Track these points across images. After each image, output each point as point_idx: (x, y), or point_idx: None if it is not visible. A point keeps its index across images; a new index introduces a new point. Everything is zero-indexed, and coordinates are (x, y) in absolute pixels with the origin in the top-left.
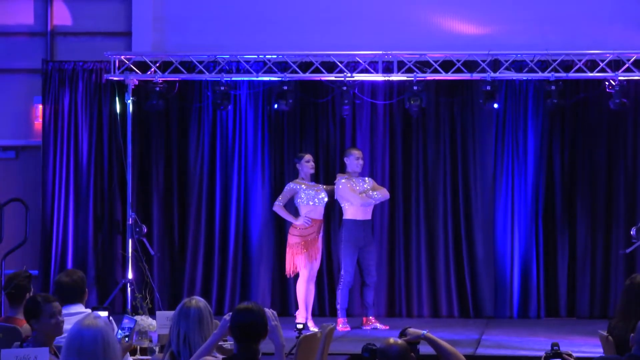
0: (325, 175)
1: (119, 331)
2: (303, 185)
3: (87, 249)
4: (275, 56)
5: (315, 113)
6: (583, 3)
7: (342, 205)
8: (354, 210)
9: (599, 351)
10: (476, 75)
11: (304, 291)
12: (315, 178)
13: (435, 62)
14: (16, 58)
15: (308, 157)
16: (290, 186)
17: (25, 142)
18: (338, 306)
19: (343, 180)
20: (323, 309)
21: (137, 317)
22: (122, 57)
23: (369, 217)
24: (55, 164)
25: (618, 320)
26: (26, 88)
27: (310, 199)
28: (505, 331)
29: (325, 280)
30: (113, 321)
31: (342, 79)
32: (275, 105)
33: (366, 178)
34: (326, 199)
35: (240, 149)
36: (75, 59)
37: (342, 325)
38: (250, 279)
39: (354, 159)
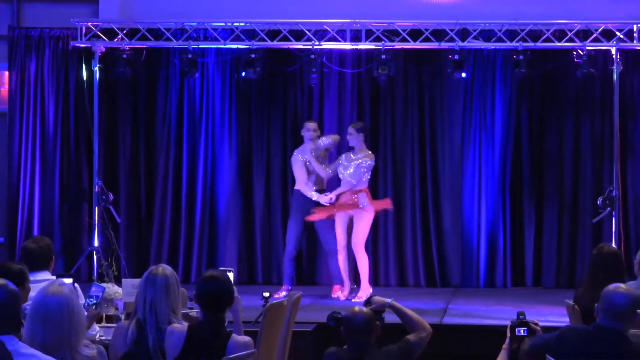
0: (293, 143)
1: (87, 299)
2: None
3: (53, 216)
4: (243, 24)
5: (283, 81)
6: None
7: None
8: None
9: (565, 320)
10: (444, 45)
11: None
12: (283, 146)
13: (404, 31)
14: None
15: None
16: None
17: None
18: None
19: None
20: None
21: (104, 285)
22: (89, 24)
23: (315, 187)
24: (21, 131)
25: (585, 290)
26: None
27: None
28: (471, 300)
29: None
30: (78, 288)
31: (310, 47)
32: (243, 73)
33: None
34: None
35: (208, 116)
36: (42, 26)
37: (284, 292)
38: (217, 246)
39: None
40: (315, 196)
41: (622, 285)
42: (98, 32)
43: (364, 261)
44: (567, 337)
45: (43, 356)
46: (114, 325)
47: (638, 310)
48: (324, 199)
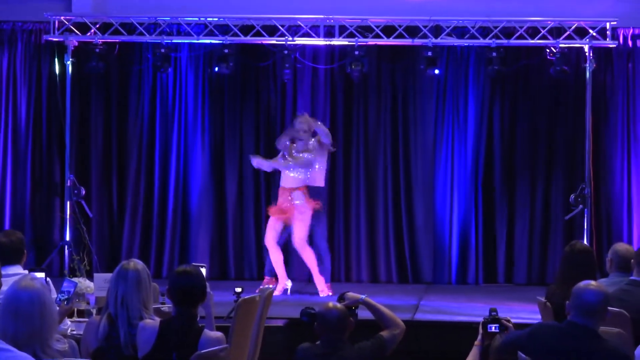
0: (266, 139)
1: (59, 294)
2: None
3: (24, 210)
4: (216, 19)
5: (257, 77)
6: None
7: None
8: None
9: (537, 317)
10: (417, 41)
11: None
12: (255, 142)
13: (377, 27)
14: None
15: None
16: None
17: None
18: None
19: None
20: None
21: (75, 280)
22: (62, 17)
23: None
24: None
25: (557, 287)
26: None
27: None
28: (443, 297)
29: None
30: (51, 283)
31: (284, 42)
32: (216, 69)
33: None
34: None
35: (181, 111)
36: (14, 19)
37: (271, 285)
38: (189, 242)
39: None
40: (255, 162)
41: (592, 282)
42: (71, 26)
43: (310, 256)
44: (538, 334)
45: (19, 353)
46: (86, 319)
47: (609, 308)
48: (255, 161)
